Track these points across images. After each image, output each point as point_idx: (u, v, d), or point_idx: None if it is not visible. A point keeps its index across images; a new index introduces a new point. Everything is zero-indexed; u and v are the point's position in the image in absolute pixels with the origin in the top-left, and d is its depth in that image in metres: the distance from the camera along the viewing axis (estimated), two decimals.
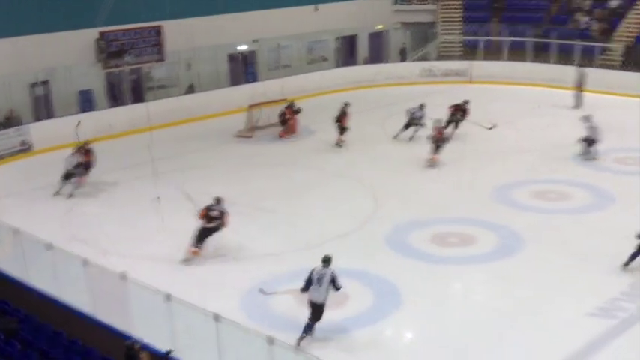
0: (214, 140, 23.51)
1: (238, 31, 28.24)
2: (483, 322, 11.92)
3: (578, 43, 28.87)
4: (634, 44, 28.42)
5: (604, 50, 28.71)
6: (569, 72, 27.25)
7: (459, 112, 22.19)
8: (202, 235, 14.33)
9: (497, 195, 17.57)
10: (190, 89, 27.34)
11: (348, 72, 30.57)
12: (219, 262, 14.44)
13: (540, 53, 29.99)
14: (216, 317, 9.16)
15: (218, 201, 14.55)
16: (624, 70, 27.48)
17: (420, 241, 15.02)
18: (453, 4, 33.94)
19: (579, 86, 25.62)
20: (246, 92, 26.01)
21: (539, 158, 20.20)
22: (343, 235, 15.53)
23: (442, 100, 23.49)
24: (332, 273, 11.28)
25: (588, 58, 28.57)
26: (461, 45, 32.79)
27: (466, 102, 22.26)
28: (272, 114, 23.86)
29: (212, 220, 14.32)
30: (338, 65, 31.77)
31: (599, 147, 19.77)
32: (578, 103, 25.27)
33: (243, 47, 29.16)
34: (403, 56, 32.85)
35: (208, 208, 14.34)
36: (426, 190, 18.22)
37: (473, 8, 33.62)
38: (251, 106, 23.95)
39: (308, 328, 11.19)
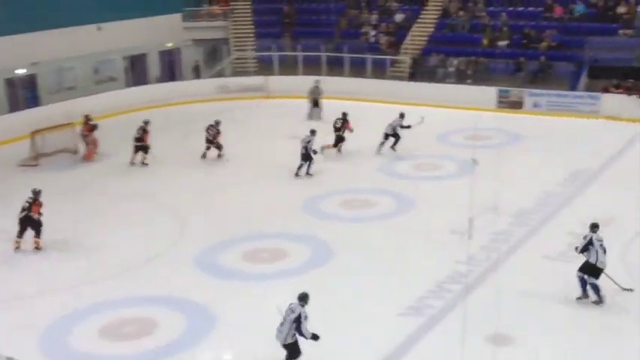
0: None
1: (15, 54, 26.08)
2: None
3: (369, 57, 29.77)
4: (420, 56, 29.70)
5: (393, 62, 29.74)
6: (363, 84, 28.42)
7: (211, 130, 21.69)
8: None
9: (306, 207, 17.51)
10: None
11: (139, 91, 29.34)
12: (13, 301, 13.13)
13: (334, 67, 30.64)
14: None
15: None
16: (413, 81, 28.61)
17: (231, 260, 14.57)
18: (244, 21, 33.80)
19: (315, 100, 26.43)
20: (27, 118, 24.03)
21: (342, 169, 20.47)
22: (148, 260, 14.75)
23: (243, 116, 23.15)
24: (299, 314, 10.17)
25: (380, 71, 29.58)
26: (255, 61, 32.68)
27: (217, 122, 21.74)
28: (58, 139, 22.25)
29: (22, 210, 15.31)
30: (128, 85, 30.42)
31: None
32: (312, 116, 26.06)
33: (21, 71, 27.01)
34: (197, 73, 32.14)
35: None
36: (232, 208, 17.69)
37: (264, 24, 33.69)
38: (34, 133, 22.05)
39: None
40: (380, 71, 29.64)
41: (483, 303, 11.86)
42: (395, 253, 14.65)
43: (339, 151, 21.77)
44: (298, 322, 10.20)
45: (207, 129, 21.59)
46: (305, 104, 26.69)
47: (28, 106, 26.60)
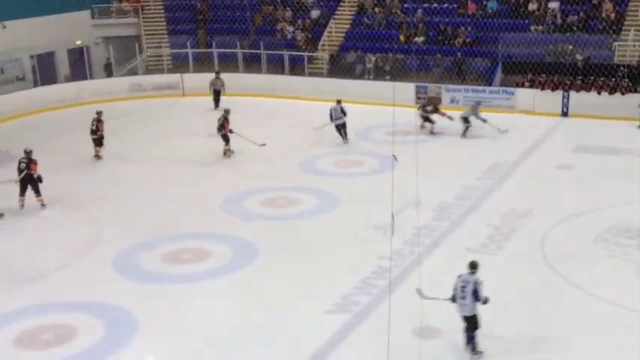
0: None
1: None
2: (226, 336, 11.64)
3: (286, 53, 29.55)
4: (338, 52, 29.69)
5: (311, 59, 29.62)
6: (279, 81, 28.24)
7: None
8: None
9: (228, 206, 17.19)
10: None
11: (48, 91, 28.22)
12: None
13: (251, 64, 30.31)
14: None
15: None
16: (331, 77, 28.54)
17: (151, 262, 14.14)
18: (156, 17, 33.10)
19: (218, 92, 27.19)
20: None
21: (265, 166, 20.17)
22: (63, 266, 14.15)
23: (157, 114, 22.59)
24: (475, 282, 10.49)
25: (298, 67, 29.41)
26: (169, 58, 31.96)
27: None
28: None
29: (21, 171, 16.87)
30: (36, 84, 29.23)
31: None
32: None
33: None
34: (109, 72, 31.14)
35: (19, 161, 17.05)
36: (151, 208, 17.15)
37: (177, 21, 33.04)
38: None
39: (469, 340, 10.63)
40: (298, 68, 29.47)
41: (408, 297, 11.70)
42: (320, 251, 14.54)
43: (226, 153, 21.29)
44: (476, 292, 10.46)
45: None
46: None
47: None
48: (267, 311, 12.22)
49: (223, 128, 20.76)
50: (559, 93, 24.54)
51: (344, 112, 21.74)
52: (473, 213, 16.34)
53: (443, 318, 11.36)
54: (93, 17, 32.61)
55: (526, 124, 23.66)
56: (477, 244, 14.38)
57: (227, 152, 20.98)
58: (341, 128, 21.87)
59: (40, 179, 17.02)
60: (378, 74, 28.13)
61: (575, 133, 22.50)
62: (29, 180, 16.95)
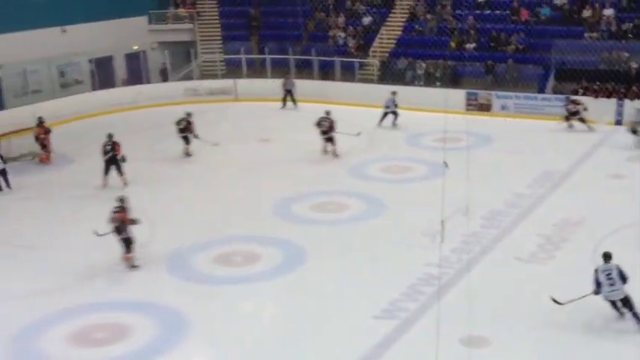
0: None
1: None
2: (275, 338, 11.76)
3: (338, 59, 29.74)
4: (388, 59, 29.77)
5: (362, 65, 29.76)
6: (330, 87, 28.50)
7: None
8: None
9: (277, 210, 17.40)
10: None
11: (106, 95, 28.96)
12: None
13: (303, 70, 30.58)
14: None
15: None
16: (381, 83, 28.61)
17: (203, 264, 14.44)
18: (211, 24, 33.60)
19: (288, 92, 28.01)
20: None
21: (313, 171, 20.36)
22: (117, 265, 14.41)
23: (214, 118, 23.05)
24: (617, 267, 11.38)
25: (349, 73, 29.58)
26: (223, 64, 32.45)
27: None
28: (24, 143, 21.95)
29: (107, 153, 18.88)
30: (95, 88, 30.01)
31: None
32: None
33: None
34: (165, 76, 31.83)
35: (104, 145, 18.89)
36: (203, 211, 17.49)
37: (231, 27, 33.52)
38: None
39: (637, 317, 11.35)
40: (349, 74, 29.62)
41: (457, 305, 11.69)
42: (367, 257, 14.61)
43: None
44: (621, 272, 11.36)
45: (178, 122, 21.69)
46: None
47: None
48: (314, 315, 12.33)
49: (332, 129, 21.26)
50: (613, 101, 24.20)
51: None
52: (523, 221, 16.23)
53: (491, 327, 11.42)
54: (150, 22, 33.23)
55: (579, 132, 23.39)
56: (526, 253, 14.30)
57: (333, 151, 21.34)
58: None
59: (124, 159, 18.99)
60: (429, 81, 28.12)
61: (629, 141, 22.15)
62: (113, 161, 18.81)
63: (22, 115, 23.94)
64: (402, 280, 13.31)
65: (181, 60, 31.88)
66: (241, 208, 17.61)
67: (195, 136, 21.78)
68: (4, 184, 19.47)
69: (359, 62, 29.60)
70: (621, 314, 11.73)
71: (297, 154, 21.91)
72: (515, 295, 12.80)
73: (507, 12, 29.22)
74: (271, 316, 12.75)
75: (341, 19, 32.05)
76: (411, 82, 28.51)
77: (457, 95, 26.17)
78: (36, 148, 21.98)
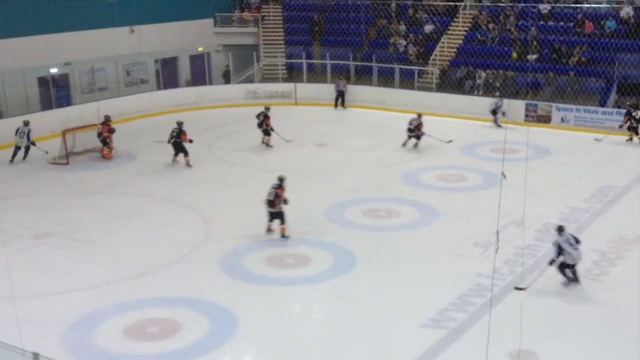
0: (27, 168, 21.72)
1: (49, 54, 26.57)
2: (322, 341, 11.82)
3: (397, 67, 29.80)
4: (448, 67, 29.73)
5: (421, 73, 29.80)
6: (389, 94, 28.66)
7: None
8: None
9: (330, 214, 17.55)
10: None
11: (169, 94, 29.66)
12: (36, 298, 13.21)
13: (362, 76, 30.75)
14: (36, 357, 8.26)
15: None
16: (440, 92, 28.62)
17: (255, 264, 14.64)
18: (275, 28, 34.05)
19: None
20: (59, 117, 24.54)
21: (368, 177, 20.45)
22: (172, 262, 14.82)
23: (273, 121, 23.38)
24: (571, 234, 13.26)
25: (408, 81, 29.62)
26: (284, 68, 32.87)
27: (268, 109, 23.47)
28: (88, 139, 22.62)
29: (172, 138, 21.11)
30: (159, 88, 30.72)
31: None
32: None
33: (54, 70, 27.46)
34: (227, 79, 32.40)
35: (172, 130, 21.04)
36: (257, 212, 17.66)
37: (294, 32, 33.91)
38: (65, 132, 22.38)
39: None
40: (408, 81, 29.67)
41: (507, 318, 11.64)
42: (417, 264, 14.55)
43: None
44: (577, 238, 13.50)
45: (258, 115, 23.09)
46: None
47: (60, 105, 27.04)
48: (361, 321, 12.35)
49: (418, 129, 22.49)
50: None
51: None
52: (578, 236, 16.02)
53: (541, 342, 11.32)
54: (215, 25, 33.82)
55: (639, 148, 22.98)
56: (580, 268, 14.00)
57: (415, 144, 22.73)
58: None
59: (190, 141, 21.17)
60: (488, 90, 27.98)
61: None
62: (179, 146, 21.10)
63: (89, 111, 24.67)
64: (451, 290, 13.25)
65: (243, 63, 32.37)
66: (295, 210, 17.54)
67: (271, 130, 22.48)
68: (18, 157, 21.85)
69: (418, 70, 29.64)
70: (570, 280, 13.45)
71: (352, 159, 22.07)
72: (566, 311, 12.65)
73: (571, 24, 28.85)
74: (319, 320, 12.83)
75: (402, 27, 32.11)
76: (469, 92, 28.43)
77: (516, 106, 25.97)
78: (100, 144, 22.64)
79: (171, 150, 21.50)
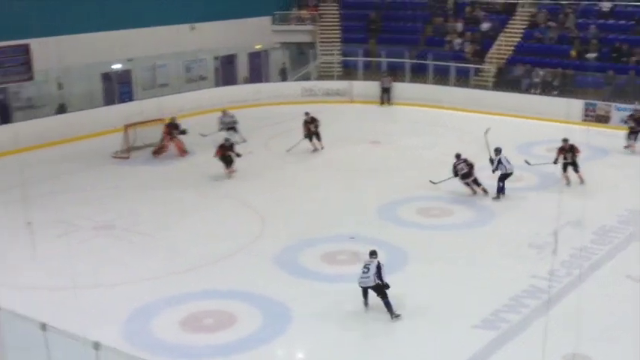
0: (89, 162, 22.39)
1: (112, 50, 27.23)
2: (372, 339, 11.88)
3: (453, 64, 29.68)
4: (505, 65, 29.47)
5: (477, 71, 29.60)
6: (444, 92, 28.51)
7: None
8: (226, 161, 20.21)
9: (383, 212, 17.60)
10: (61, 109, 26.01)
11: (227, 91, 30.09)
12: (97, 289, 13.59)
13: (418, 74, 30.70)
14: (96, 345, 8.45)
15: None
16: (496, 90, 28.39)
17: (310, 260, 14.78)
18: (332, 26, 34.19)
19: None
20: (121, 112, 25.12)
21: (421, 175, 20.28)
22: (228, 256, 15.10)
23: (325, 119, 23.53)
24: (378, 264, 12.41)
25: (464, 79, 29.48)
26: (340, 65, 33.02)
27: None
28: (149, 134, 23.11)
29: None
30: (217, 84, 31.19)
31: None
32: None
33: (117, 66, 28.15)
34: (284, 76, 32.74)
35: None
36: (312, 210, 17.95)
37: (350, 30, 34.01)
38: (127, 126, 22.97)
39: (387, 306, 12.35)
40: (463, 79, 29.53)
41: (562, 321, 11.48)
42: (471, 264, 14.52)
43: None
44: (379, 270, 12.32)
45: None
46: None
47: (122, 101, 27.68)
48: (412, 320, 12.31)
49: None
50: None
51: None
52: (636, 239, 15.67)
53: (596, 346, 11.17)
54: (273, 23, 34.12)
55: None
56: (638, 273, 13.83)
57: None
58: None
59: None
60: (545, 89, 27.63)
61: None
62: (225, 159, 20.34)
63: (149, 107, 25.24)
64: (505, 291, 13.12)
65: (300, 60, 32.62)
66: (349, 208, 17.86)
67: (314, 135, 22.59)
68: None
69: (475, 68, 29.45)
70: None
71: (406, 157, 22.10)
72: (622, 315, 12.42)
73: (632, 22, 28.28)
74: (370, 318, 12.72)
75: (459, 25, 31.93)
76: (526, 90, 28.11)
77: (574, 105, 25.59)
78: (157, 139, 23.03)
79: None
